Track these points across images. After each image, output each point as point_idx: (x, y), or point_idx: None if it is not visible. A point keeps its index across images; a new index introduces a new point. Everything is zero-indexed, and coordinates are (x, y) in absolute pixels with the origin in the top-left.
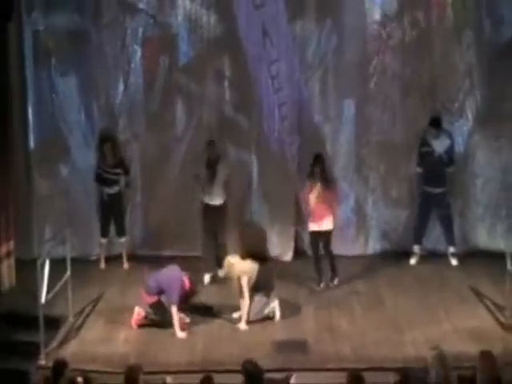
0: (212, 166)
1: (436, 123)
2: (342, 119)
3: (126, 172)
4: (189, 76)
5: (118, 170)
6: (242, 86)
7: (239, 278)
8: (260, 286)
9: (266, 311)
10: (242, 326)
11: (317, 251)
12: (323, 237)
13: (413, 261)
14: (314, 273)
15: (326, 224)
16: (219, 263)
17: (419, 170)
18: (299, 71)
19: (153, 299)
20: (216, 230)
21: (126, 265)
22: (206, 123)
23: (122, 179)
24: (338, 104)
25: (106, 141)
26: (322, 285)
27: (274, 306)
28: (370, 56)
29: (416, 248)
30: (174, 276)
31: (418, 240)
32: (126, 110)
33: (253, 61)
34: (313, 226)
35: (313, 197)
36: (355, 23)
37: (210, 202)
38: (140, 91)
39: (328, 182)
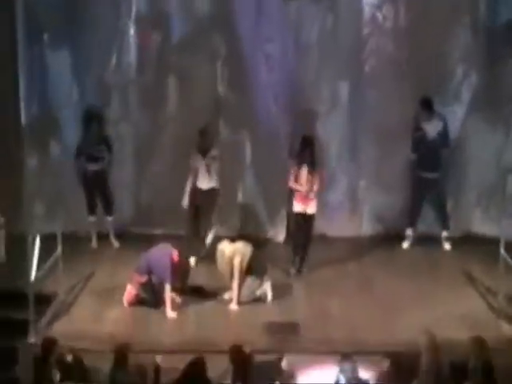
0: (204, 154)
1: (427, 105)
2: (336, 102)
3: (110, 150)
4: (182, 54)
5: (102, 147)
6: (235, 65)
7: (231, 259)
8: (252, 268)
9: (258, 293)
10: (233, 306)
11: (298, 232)
12: (306, 220)
13: (406, 244)
14: (292, 255)
15: (309, 207)
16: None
17: (413, 156)
18: (293, 51)
19: (143, 279)
20: (205, 214)
21: (115, 244)
22: (199, 102)
23: (106, 157)
24: (331, 86)
25: (92, 118)
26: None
27: (266, 287)
28: (365, 38)
29: (409, 231)
30: (162, 254)
31: (412, 224)
32: (118, 88)
33: (246, 40)
34: (297, 207)
35: (299, 179)
36: (351, 5)
37: (203, 187)
38: (132, 69)
39: (315, 165)
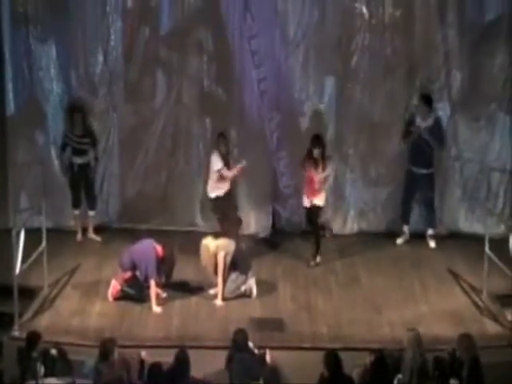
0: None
1: (427, 102)
2: (322, 96)
3: (94, 144)
4: (169, 48)
5: (86, 140)
6: (221, 60)
7: (215, 255)
8: (237, 263)
9: (243, 288)
10: (219, 302)
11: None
12: (314, 212)
13: (400, 240)
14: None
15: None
16: None
17: (403, 146)
18: (280, 47)
19: (127, 275)
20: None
21: (96, 238)
22: (186, 96)
23: (91, 150)
24: (318, 81)
25: (76, 111)
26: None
27: (251, 283)
28: (351, 33)
29: (405, 228)
30: (146, 249)
31: (406, 219)
32: (104, 80)
33: (233, 35)
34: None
35: (314, 175)
36: (337, 0)
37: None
38: (119, 61)
39: (325, 160)
